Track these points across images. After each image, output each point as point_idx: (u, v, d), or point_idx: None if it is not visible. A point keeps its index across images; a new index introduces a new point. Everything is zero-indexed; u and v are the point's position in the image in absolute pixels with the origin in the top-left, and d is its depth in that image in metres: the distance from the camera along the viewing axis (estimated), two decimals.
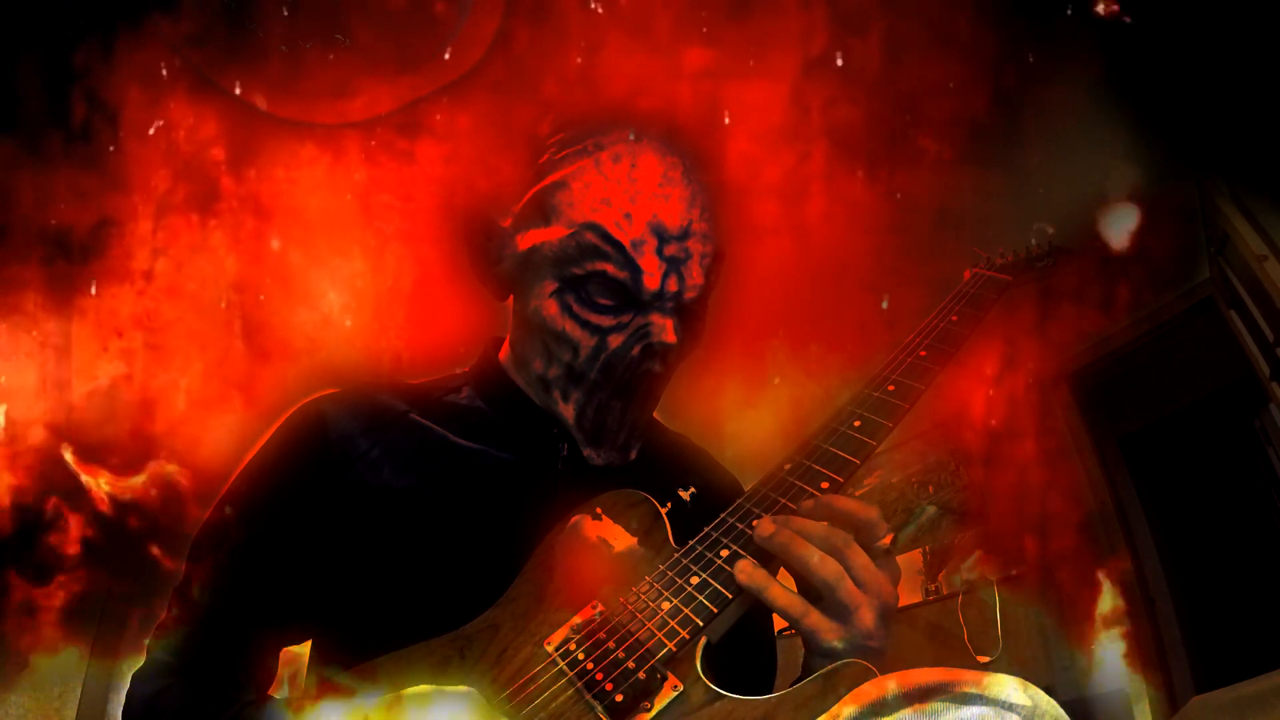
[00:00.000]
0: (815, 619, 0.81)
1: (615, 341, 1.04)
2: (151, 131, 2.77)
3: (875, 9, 2.47)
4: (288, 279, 3.06)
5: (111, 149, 2.79)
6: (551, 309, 1.04)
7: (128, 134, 2.77)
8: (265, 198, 2.91)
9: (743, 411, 3.21)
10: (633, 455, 1.13)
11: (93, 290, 3.20)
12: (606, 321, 1.03)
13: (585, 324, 1.03)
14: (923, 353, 1.08)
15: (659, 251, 1.01)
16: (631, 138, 1.05)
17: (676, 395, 1.26)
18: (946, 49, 2.48)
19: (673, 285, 1.03)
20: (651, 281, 1.01)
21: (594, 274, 1.01)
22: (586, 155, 1.04)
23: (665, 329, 1.03)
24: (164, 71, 2.65)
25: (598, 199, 1.01)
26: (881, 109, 2.62)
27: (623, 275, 1.01)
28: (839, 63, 2.47)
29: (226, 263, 3.06)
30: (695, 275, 1.05)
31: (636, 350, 1.04)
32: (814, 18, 2.45)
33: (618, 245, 1.00)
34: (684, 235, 1.03)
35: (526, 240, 1.07)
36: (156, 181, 2.90)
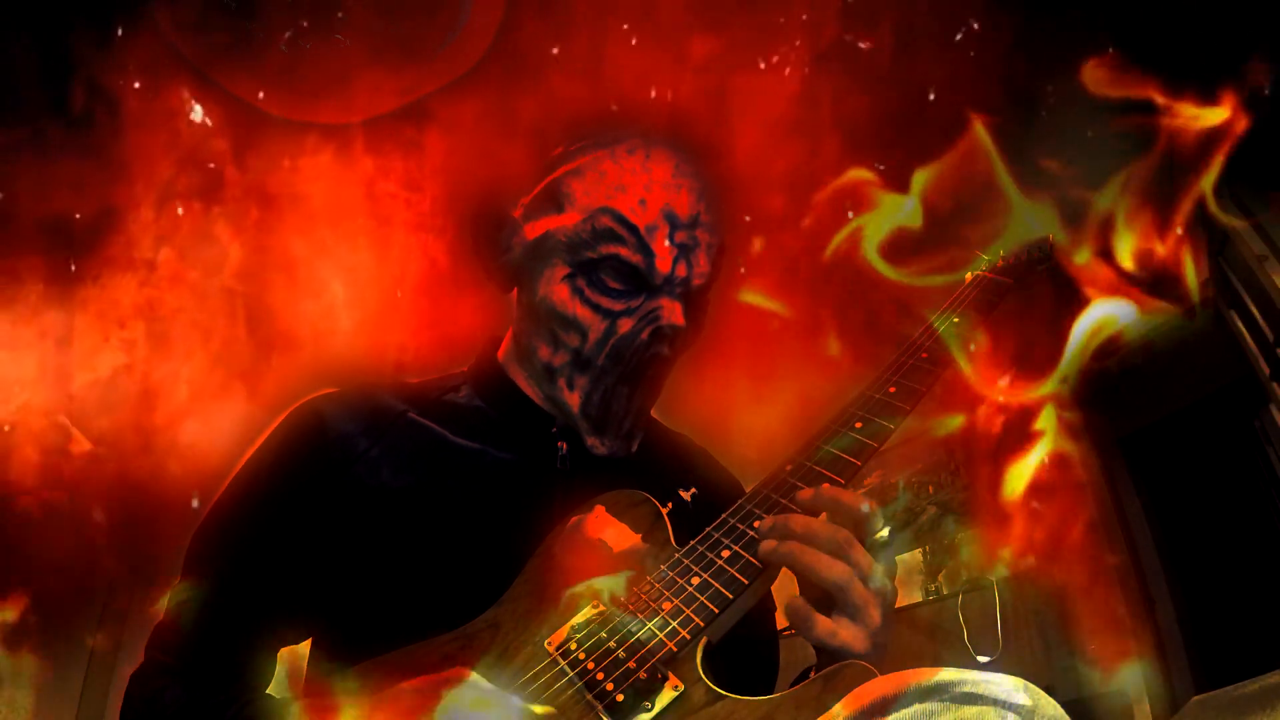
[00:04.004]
0: (848, 634, 0.80)
1: (625, 325, 1.06)
2: (153, 120, 2.76)
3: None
4: (291, 268, 3.04)
5: (113, 138, 2.77)
6: (562, 293, 1.07)
7: (129, 122, 2.75)
8: (269, 186, 2.89)
9: (750, 407, 3.19)
10: (634, 446, 1.14)
11: (94, 280, 3.19)
12: (617, 306, 1.06)
13: (596, 308, 1.06)
14: (924, 355, 1.09)
15: (670, 238, 1.06)
16: (643, 137, 1.09)
17: (683, 391, 1.27)
18: (957, 40, 2.46)
19: (682, 270, 1.07)
20: (664, 265, 1.05)
21: (607, 258, 1.05)
22: (602, 147, 1.09)
23: (674, 312, 1.06)
24: (165, 59, 2.63)
25: (613, 186, 1.06)
26: (891, 100, 2.60)
27: (636, 259, 1.05)
28: (849, 54, 2.45)
29: (229, 252, 3.04)
30: (703, 263, 1.09)
31: (646, 334, 1.06)
32: (823, 9, 2.43)
33: (633, 229, 1.05)
34: (693, 224, 1.07)
35: (537, 229, 1.10)
36: (158, 170, 2.88)
